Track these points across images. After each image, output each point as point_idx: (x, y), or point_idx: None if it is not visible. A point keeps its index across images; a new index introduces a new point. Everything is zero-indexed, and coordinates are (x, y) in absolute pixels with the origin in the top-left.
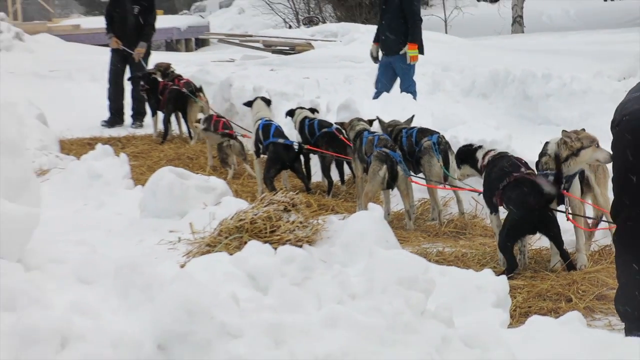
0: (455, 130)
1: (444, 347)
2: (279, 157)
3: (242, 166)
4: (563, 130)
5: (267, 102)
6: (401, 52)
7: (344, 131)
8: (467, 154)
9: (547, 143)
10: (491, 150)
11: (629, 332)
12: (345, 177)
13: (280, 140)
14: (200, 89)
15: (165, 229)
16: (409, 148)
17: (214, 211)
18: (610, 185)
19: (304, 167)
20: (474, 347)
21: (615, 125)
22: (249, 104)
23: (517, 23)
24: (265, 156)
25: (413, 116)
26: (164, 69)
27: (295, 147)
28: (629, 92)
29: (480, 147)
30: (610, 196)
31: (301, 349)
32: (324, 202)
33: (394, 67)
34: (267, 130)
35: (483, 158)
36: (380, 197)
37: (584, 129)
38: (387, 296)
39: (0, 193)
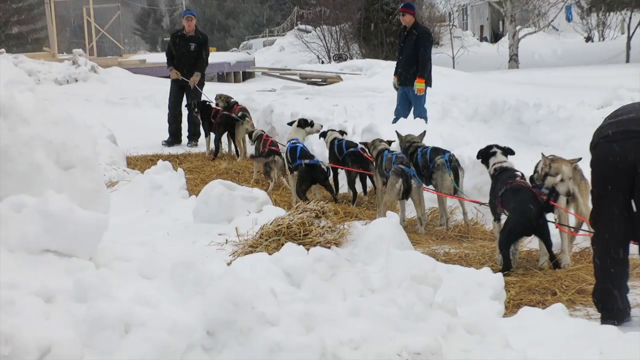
0: (461, 150)
1: (449, 333)
2: (307, 175)
3: (281, 180)
4: (542, 154)
5: (304, 124)
6: (415, 85)
7: (367, 150)
8: (485, 156)
9: (539, 162)
10: (498, 162)
11: (604, 321)
12: (367, 189)
13: (306, 161)
14: (246, 115)
15: (215, 233)
16: (423, 164)
17: (256, 217)
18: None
19: (333, 180)
20: (473, 333)
21: (593, 147)
22: (291, 123)
23: (513, 60)
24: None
25: (425, 131)
26: (226, 99)
27: (324, 167)
28: (605, 118)
29: (495, 153)
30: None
31: (328, 334)
32: (349, 210)
33: (409, 96)
34: (294, 152)
35: (492, 167)
36: (396, 206)
37: (561, 158)
38: (402, 290)
39: (75, 201)
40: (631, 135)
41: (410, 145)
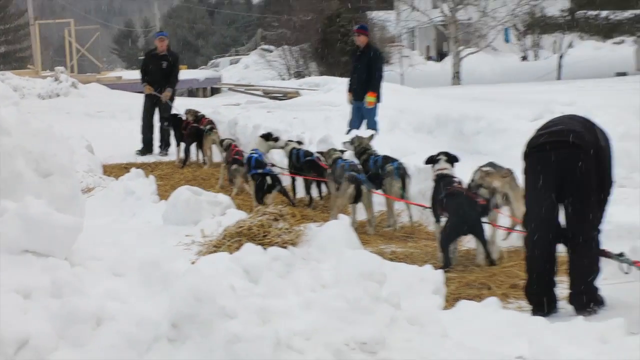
0: (408, 159)
1: (393, 324)
2: (262, 183)
3: (244, 186)
4: (480, 168)
5: (267, 137)
6: (366, 99)
7: (323, 158)
8: (433, 162)
9: (476, 171)
10: (439, 169)
11: (534, 312)
12: (322, 194)
13: (260, 171)
14: (213, 127)
15: (183, 234)
16: (374, 170)
17: (220, 220)
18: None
19: (292, 186)
20: (415, 324)
21: (525, 156)
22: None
23: (456, 77)
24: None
25: (372, 135)
26: (194, 113)
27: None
28: (536, 130)
29: (440, 159)
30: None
31: (282, 326)
32: (306, 213)
33: (362, 110)
34: (250, 162)
35: (435, 172)
36: (348, 209)
37: (510, 171)
38: (350, 285)
39: (53, 206)
40: (559, 145)
41: (364, 152)
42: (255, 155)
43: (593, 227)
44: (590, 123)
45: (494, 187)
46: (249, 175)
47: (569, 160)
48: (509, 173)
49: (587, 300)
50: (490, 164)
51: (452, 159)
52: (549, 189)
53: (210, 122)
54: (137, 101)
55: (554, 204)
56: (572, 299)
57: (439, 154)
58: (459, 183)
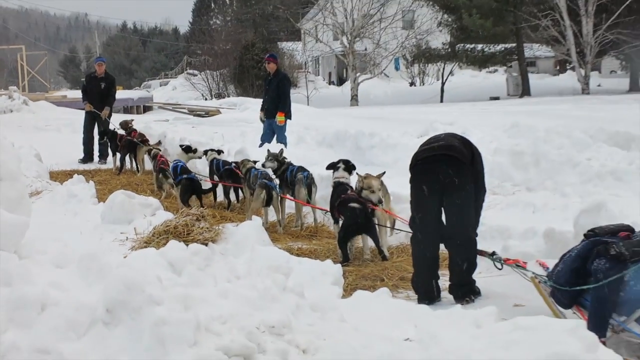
0: (312, 169)
1: (297, 311)
2: (187, 187)
3: (171, 191)
4: (357, 174)
5: (187, 150)
6: (276, 118)
7: (238, 167)
8: (333, 168)
9: (357, 180)
10: (336, 177)
11: (419, 301)
12: (239, 198)
13: (185, 176)
14: (144, 140)
15: (118, 232)
16: (290, 179)
17: (150, 220)
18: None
19: (213, 191)
20: (317, 311)
21: (412, 167)
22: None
23: (354, 99)
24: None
25: (282, 149)
26: (126, 125)
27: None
28: (421, 145)
29: (338, 168)
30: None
31: (202, 312)
32: (224, 214)
33: (273, 126)
34: (176, 170)
35: (333, 179)
36: (261, 212)
37: (384, 173)
38: (261, 277)
39: (3, 206)
40: (440, 158)
41: (283, 164)
42: (180, 163)
43: (470, 228)
44: (466, 140)
45: (373, 188)
46: (176, 181)
47: (449, 171)
48: (381, 175)
49: (465, 291)
50: (367, 174)
51: (350, 167)
52: (432, 196)
53: (142, 135)
54: (79, 117)
55: (436, 208)
56: (452, 290)
57: (339, 161)
58: (352, 190)
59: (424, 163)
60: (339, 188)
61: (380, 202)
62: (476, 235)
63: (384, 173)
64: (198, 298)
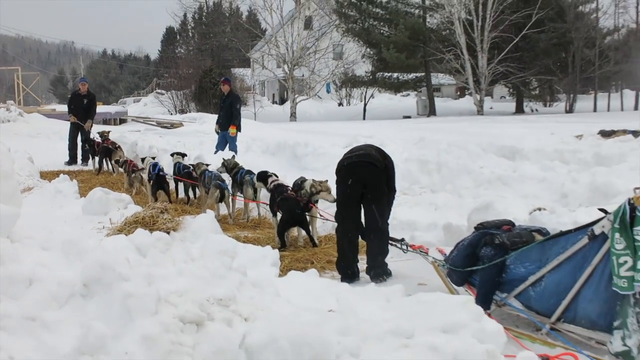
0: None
1: (241, 286)
2: (157, 183)
3: (141, 188)
4: (313, 180)
5: (172, 155)
6: (229, 130)
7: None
8: (264, 178)
9: (303, 181)
10: (275, 180)
11: (342, 280)
12: (197, 195)
13: (155, 172)
14: (119, 147)
15: (96, 222)
16: (240, 180)
17: (123, 212)
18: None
19: (175, 189)
20: (257, 287)
21: (338, 171)
22: (172, 154)
23: (293, 116)
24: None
25: (234, 155)
26: (103, 134)
27: (168, 177)
28: (345, 153)
29: (271, 175)
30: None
31: (163, 287)
32: (185, 208)
33: (226, 137)
34: (153, 168)
35: (271, 183)
36: (214, 206)
37: (327, 180)
38: (212, 259)
39: None
40: (361, 164)
41: (235, 167)
42: (157, 163)
43: (383, 221)
44: (381, 150)
45: (320, 190)
46: (150, 177)
47: (367, 174)
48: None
49: (379, 272)
50: (301, 177)
51: (274, 174)
52: (353, 194)
53: (113, 143)
54: (65, 127)
55: (357, 204)
56: (369, 271)
57: (266, 172)
58: (290, 190)
59: (348, 168)
60: (279, 189)
61: (335, 200)
62: (388, 226)
63: (326, 180)
64: (159, 276)
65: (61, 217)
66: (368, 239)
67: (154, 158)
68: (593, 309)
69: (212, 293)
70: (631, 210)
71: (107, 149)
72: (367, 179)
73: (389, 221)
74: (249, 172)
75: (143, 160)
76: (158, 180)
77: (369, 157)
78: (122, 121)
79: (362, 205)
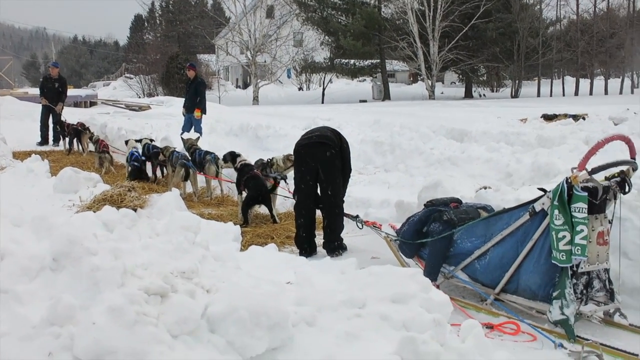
0: (221, 152)
1: (203, 260)
2: (136, 168)
3: (110, 168)
4: (284, 155)
5: (139, 141)
6: (194, 113)
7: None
8: (232, 158)
9: (272, 158)
10: (242, 160)
11: (300, 254)
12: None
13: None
14: (88, 128)
15: (66, 199)
16: (199, 160)
17: (92, 190)
18: None
19: (144, 169)
20: (219, 260)
21: (296, 151)
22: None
23: (255, 99)
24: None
25: (199, 136)
26: (82, 124)
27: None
28: (303, 134)
29: (239, 155)
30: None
31: (129, 261)
32: (151, 187)
33: (192, 119)
34: (130, 157)
35: (239, 163)
36: (180, 185)
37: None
38: (176, 234)
39: None
40: (317, 145)
41: (191, 147)
42: (135, 151)
43: (338, 199)
44: (337, 131)
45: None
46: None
47: (322, 155)
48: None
49: (335, 246)
50: (260, 159)
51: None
52: (310, 173)
53: (83, 124)
54: (37, 109)
55: (313, 182)
56: (325, 246)
57: (234, 152)
58: (255, 169)
59: (305, 148)
60: (246, 167)
61: (282, 179)
62: (343, 203)
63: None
64: (125, 250)
65: (33, 195)
66: (324, 216)
67: (151, 140)
68: (534, 280)
69: (176, 266)
70: (569, 188)
71: (77, 131)
72: (322, 159)
73: (344, 199)
74: (208, 152)
75: (140, 141)
76: (134, 171)
77: (324, 138)
78: (92, 104)
79: (318, 183)
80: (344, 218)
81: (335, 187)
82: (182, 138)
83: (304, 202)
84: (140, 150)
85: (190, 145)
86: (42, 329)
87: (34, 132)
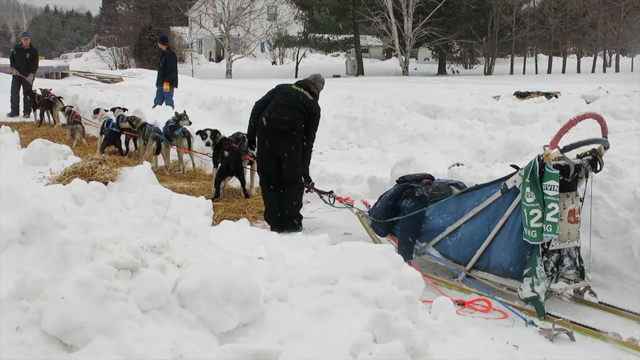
0: (193, 126)
1: (174, 235)
2: (110, 137)
3: (81, 140)
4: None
5: (113, 110)
6: (163, 86)
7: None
8: (214, 134)
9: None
10: (219, 135)
11: (270, 229)
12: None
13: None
14: (60, 98)
15: (37, 172)
16: (170, 132)
17: (63, 163)
18: None
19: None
20: (190, 235)
21: (259, 127)
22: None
23: (229, 73)
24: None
25: (185, 111)
26: (47, 91)
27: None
28: (267, 109)
29: (216, 131)
30: None
31: (98, 234)
32: (123, 160)
33: (163, 92)
34: (107, 124)
35: (218, 138)
36: (152, 158)
37: None
38: (146, 208)
39: None
40: (280, 133)
41: (138, 122)
42: (110, 120)
43: (298, 174)
44: (309, 99)
45: None
46: (105, 131)
47: (285, 142)
48: None
49: (291, 223)
50: (238, 132)
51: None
52: (272, 150)
53: (54, 95)
54: (7, 79)
55: (276, 160)
56: (282, 221)
57: (215, 131)
58: (234, 142)
59: (267, 123)
60: (225, 141)
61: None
62: (302, 180)
63: None
64: (95, 224)
65: (2, 167)
66: (284, 192)
67: (124, 110)
68: (505, 258)
69: (146, 240)
70: (541, 166)
71: (48, 102)
72: (283, 145)
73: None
74: (175, 127)
75: (114, 110)
76: (110, 135)
77: (291, 123)
78: (64, 75)
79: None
80: (305, 192)
81: (295, 164)
82: (176, 113)
83: (267, 177)
84: (115, 120)
85: (137, 121)
86: (10, 302)
87: (4, 103)
